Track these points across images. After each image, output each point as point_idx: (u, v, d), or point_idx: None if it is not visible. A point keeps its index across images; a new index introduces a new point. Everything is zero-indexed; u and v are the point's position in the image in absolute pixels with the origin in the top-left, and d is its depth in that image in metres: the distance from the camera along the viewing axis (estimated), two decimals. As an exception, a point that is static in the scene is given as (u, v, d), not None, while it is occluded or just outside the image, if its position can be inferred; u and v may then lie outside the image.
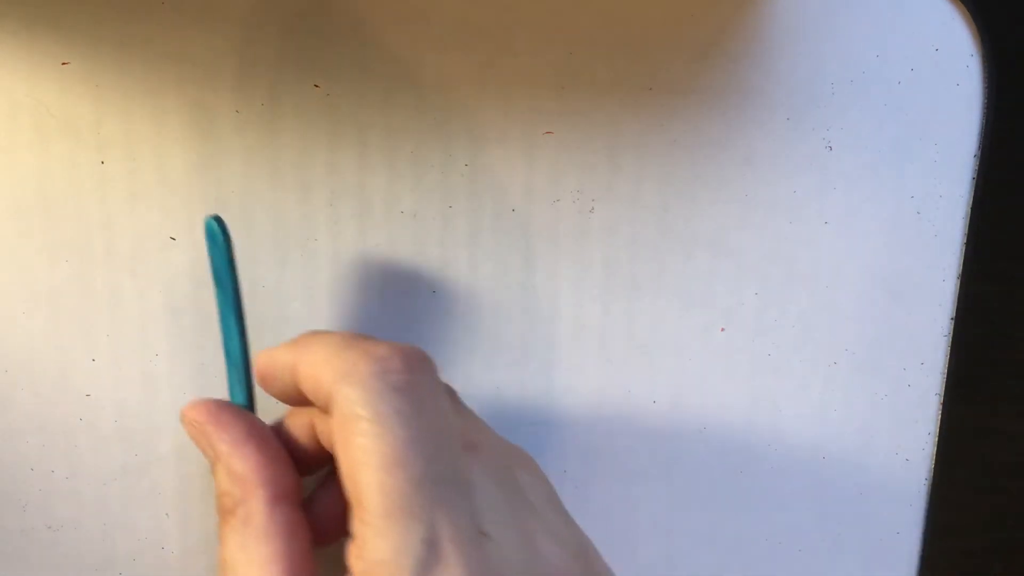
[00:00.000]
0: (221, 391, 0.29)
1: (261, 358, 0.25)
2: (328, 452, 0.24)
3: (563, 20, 0.27)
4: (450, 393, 0.25)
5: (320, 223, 0.28)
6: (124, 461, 0.29)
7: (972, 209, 0.29)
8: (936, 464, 0.31)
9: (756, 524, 0.31)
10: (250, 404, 0.27)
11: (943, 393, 0.30)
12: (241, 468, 0.23)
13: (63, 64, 0.26)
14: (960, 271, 0.29)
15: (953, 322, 0.30)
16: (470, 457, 0.22)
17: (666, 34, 0.27)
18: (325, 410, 0.22)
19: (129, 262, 0.28)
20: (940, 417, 0.31)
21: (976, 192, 0.29)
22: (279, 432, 0.25)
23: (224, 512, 0.24)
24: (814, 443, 0.31)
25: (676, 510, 0.31)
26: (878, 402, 0.30)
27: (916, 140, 0.28)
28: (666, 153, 0.28)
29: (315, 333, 0.24)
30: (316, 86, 0.27)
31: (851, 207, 0.29)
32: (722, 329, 0.30)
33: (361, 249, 0.28)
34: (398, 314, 0.29)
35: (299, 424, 0.25)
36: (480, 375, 0.29)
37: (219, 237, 0.26)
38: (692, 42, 0.27)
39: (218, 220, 0.26)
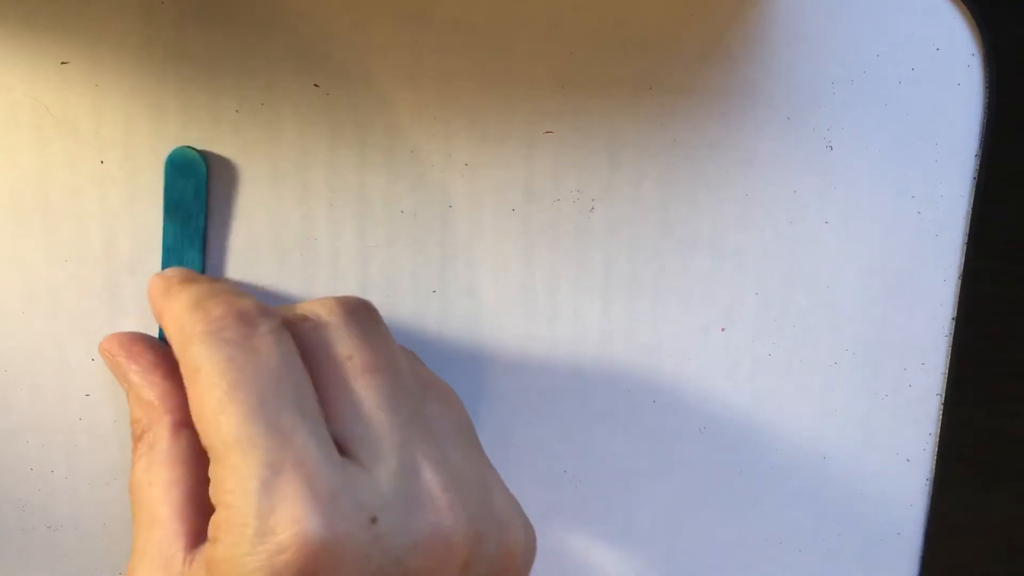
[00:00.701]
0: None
1: (151, 286, 0.26)
2: None
3: (563, 20, 0.27)
4: (366, 313, 0.25)
5: (320, 223, 0.28)
6: (124, 461, 0.29)
7: (972, 209, 0.29)
8: (936, 464, 0.31)
9: (756, 524, 0.31)
10: None
11: (943, 393, 0.30)
12: (148, 395, 0.25)
13: (62, 63, 0.26)
14: (960, 271, 0.29)
15: (953, 322, 0.30)
16: (366, 380, 0.22)
17: (666, 34, 0.27)
18: None
19: (129, 262, 0.28)
20: (940, 417, 0.31)
21: (976, 192, 0.29)
22: None
23: (134, 439, 0.25)
24: (814, 443, 0.31)
25: (676, 510, 0.31)
26: (878, 402, 0.30)
27: (916, 140, 0.28)
28: (666, 153, 0.28)
29: (182, 283, 0.25)
30: (316, 86, 0.27)
31: (851, 207, 0.29)
32: (722, 329, 0.30)
33: (361, 249, 0.28)
34: (398, 314, 0.29)
35: None
36: (480, 375, 0.29)
37: (200, 166, 0.27)
38: (692, 42, 0.27)
39: (195, 149, 0.27)
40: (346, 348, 0.23)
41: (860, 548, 0.32)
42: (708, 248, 0.29)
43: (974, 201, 0.29)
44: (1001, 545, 0.32)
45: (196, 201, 0.27)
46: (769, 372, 0.30)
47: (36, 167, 0.27)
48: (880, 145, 0.28)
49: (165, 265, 0.27)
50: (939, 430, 0.31)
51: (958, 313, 0.30)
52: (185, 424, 0.24)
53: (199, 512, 0.23)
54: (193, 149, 0.27)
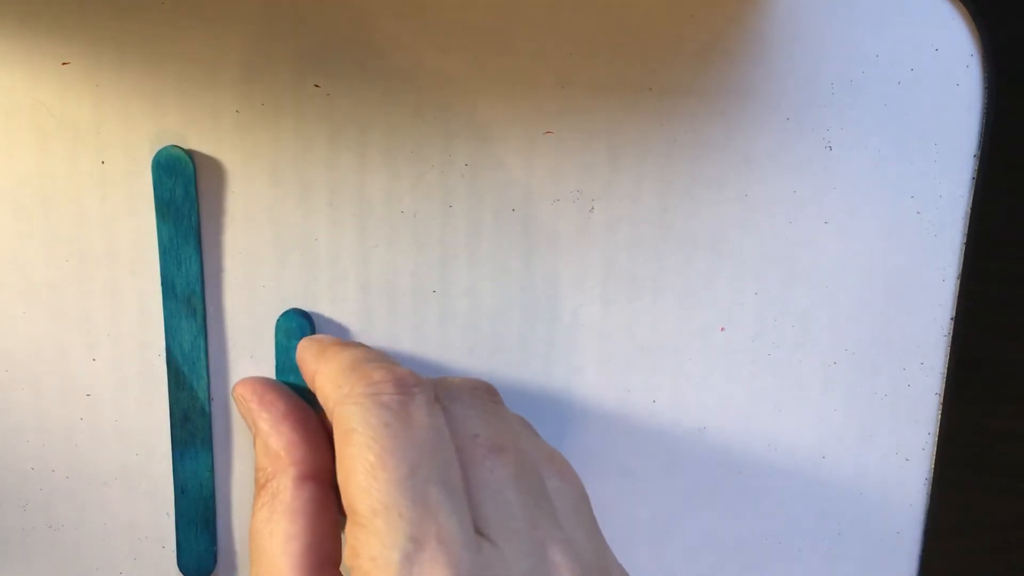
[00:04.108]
0: (221, 389, 0.29)
1: (302, 348, 0.26)
2: None
3: (563, 20, 0.27)
4: (487, 394, 0.25)
5: (320, 223, 0.28)
6: (124, 461, 0.29)
7: (972, 209, 0.29)
8: (936, 464, 0.31)
9: (756, 524, 0.31)
10: (203, 338, 0.28)
11: (943, 393, 0.30)
12: (275, 445, 0.25)
13: (63, 64, 0.26)
14: (960, 271, 0.29)
15: (953, 322, 0.30)
16: (493, 460, 0.23)
17: (666, 34, 0.27)
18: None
19: (129, 262, 0.28)
20: (940, 417, 0.31)
21: (976, 192, 0.29)
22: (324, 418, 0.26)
23: (258, 486, 0.25)
24: (814, 443, 0.31)
25: (676, 510, 0.31)
26: (878, 402, 0.30)
27: (916, 140, 0.28)
28: (666, 153, 0.28)
29: (338, 346, 0.25)
30: (316, 86, 0.27)
31: (851, 207, 0.29)
32: (722, 329, 0.30)
33: (361, 249, 0.28)
34: (398, 314, 0.29)
35: None
36: (480, 375, 0.29)
37: (187, 164, 0.27)
38: (692, 42, 0.27)
39: (181, 148, 0.27)
40: (472, 426, 0.23)
41: (860, 548, 0.32)
42: (708, 248, 0.29)
43: (973, 201, 0.29)
44: (1001, 545, 0.32)
45: (187, 200, 0.27)
46: (769, 372, 0.30)
47: (36, 167, 0.27)
48: (879, 145, 0.28)
49: (164, 266, 0.27)
50: (938, 430, 0.31)
51: (957, 313, 0.30)
52: (309, 477, 0.24)
53: (317, 567, 0.23)
54: (180, 148, 0.27)
